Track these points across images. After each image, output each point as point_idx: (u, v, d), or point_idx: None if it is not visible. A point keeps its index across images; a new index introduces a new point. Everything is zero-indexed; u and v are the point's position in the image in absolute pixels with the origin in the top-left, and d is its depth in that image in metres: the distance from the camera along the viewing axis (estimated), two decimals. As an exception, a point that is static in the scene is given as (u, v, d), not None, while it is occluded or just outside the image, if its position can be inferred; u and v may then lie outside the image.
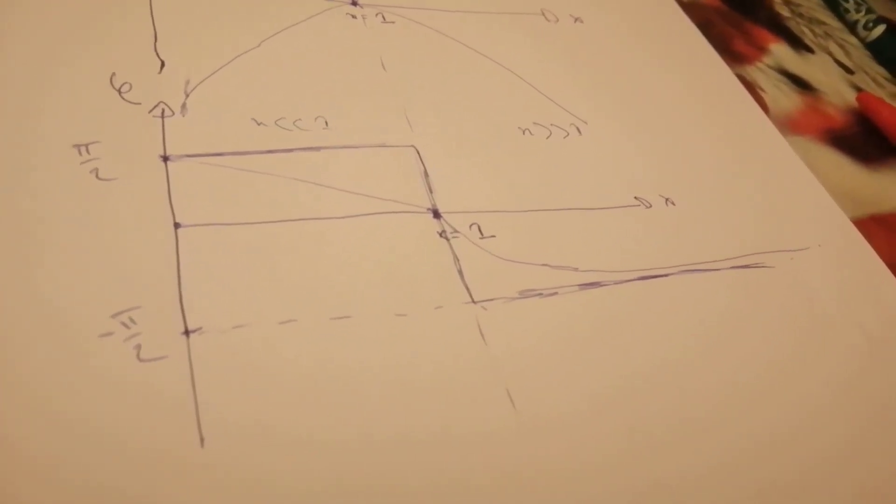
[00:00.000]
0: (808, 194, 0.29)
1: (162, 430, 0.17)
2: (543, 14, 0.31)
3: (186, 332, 0.18)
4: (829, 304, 0.25)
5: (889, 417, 0.23)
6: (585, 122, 0.28)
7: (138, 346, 0.17)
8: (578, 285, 0.23)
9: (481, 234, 0.23)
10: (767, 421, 0.22)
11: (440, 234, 0.23)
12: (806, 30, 0.40)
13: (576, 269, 0.23)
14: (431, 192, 0.24)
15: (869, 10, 0.40)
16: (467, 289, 0.22)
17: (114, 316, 0.18)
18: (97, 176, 0.20)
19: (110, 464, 0.16)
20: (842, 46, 0.39)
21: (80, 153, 0.20)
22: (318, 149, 0.23)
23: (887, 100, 0.37)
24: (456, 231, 0.23)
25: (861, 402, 0.23)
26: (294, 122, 0.24)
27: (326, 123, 0.24)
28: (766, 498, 0.20)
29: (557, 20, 0.32)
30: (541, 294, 0.22)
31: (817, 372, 0.23)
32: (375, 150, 0.24)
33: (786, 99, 0.34)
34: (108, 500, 0.15)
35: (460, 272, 0.22)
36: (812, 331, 0.24)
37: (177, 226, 0.20)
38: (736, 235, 0.26)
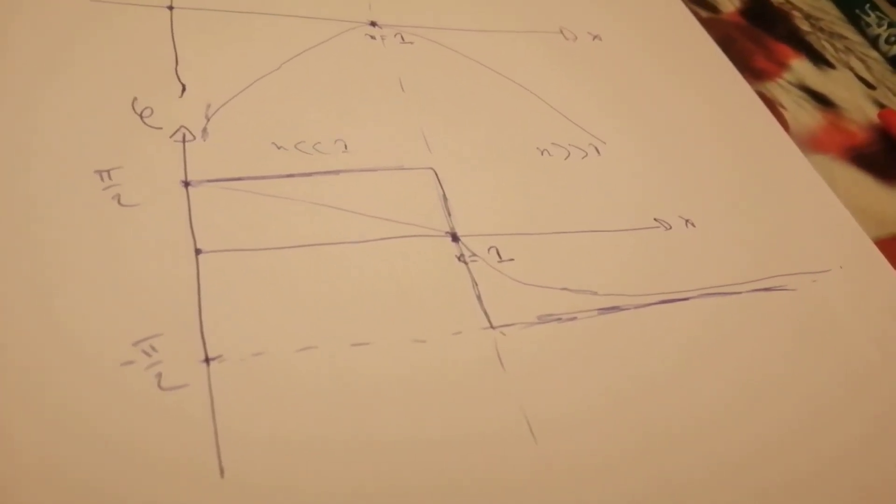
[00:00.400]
0: (830, 215, 0.29)
1: (183, 459, 0.17)
2: (562, 32, 0.31)
3: (207, 360, 0.18)
4: (850, 327, 0.25)
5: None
6: (604, 143, 0.27)
7: (159, 375, 0.18)
8: (598, 310, 0.23)
9: (500, 257, 0.23)
10: (794, 443, 0.21)
11: (458, 258, 0.23)
12: (827, 45, 0.39)
13: (595, 293, 0.23)
14: (450, 215, 0.24)
15: (891, 24, 0.40)
16: (486, 314, 0.21)
17: (135, 344, 0.18)
18: (119, 202, 0.20)
19: (134, 492, 0.16)
20: (863, 61, 0.39)
21: (102, 179, 0.20)
22: (337, 172, 0.23)
23: (910, 115, 0.36)
24: (474, 255, 0.23)
25: (885, 431, 0.22)
26: (314, 146, 0.24)
27: (346, 146, 0.24)
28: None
29: (576, 38, 0.31)
30: (560, 319, 0.22)
31: (842, 397, 0.23)
32: (394, 172, 0.24)
33: (807, 116, 0.34)
34: (130, 531, 0.16)
35: (479, 297, 0.22)
36: (834, 354, 0.24)
37: (198, 252, 0.20)
38: (757, 257, 0.26)
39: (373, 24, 0.29)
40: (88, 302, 0.18)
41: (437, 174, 0.24)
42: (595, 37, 0.32)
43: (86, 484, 0.16)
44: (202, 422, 0.17)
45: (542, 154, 0.26)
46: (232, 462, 0.17)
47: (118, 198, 0.20)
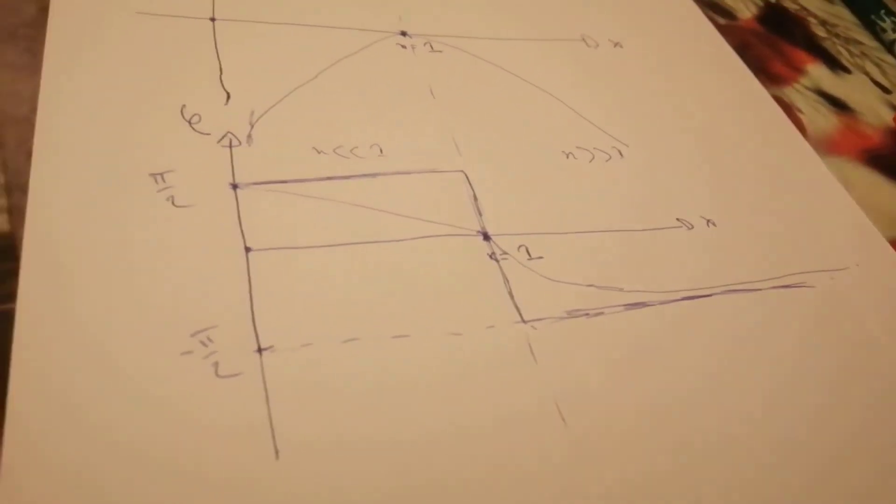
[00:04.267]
0: (846, 215, 0.29)
1: (241, 442, 0.18)
2: (584, 40, 0.32)
3: (259, 350, 0.19)
4: (868, 322, 0.25)
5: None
6: (627, 146, 0.29)
7: (216, 364, 0.19)
8: (624, 305, 0.24)
9: (529, 255, 0.24)
10: (814, 437, 0.22)
11: (490, 256, 0.24)
12: (843, 50, 0.40)
13: (621, 290, 0.24)
14: (481, 215, 0.25)
15: (905, 30, 0.40)
16: (517, 309, 0.23)
17: (193, 335, 0.19)
18: (173, 203, 0.21)
19: (200, 469, 0.17)
20: (878, 66, 0.40)
21: (156, 182, 0.22)
22: (374, 175, 0.25)
23: (925, 119, 0.37)
24: (505, 253, 0.24)
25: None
26: (351, 150, 0.25)
27: (381, 150, 0.25)
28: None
29: (598, 45, 0.33)
30: (587, 314, 0.23)
31: (862, 389, 0.24)
32: (427, 175, 0.25)
33: (823, 120, 0.35)
34: (193, 507, 0.17)
35: (510, 293, 0.23)
36: (856, 349, 0.25)
37: (247, 250, 0.21)
38: (776, 256, 0.27)
39: (403, 33, 0.30)
40: (148, 297, 0.20)
41: (467, 176, 0.26)
42: (616, 44, 0.33)
43: (151, 463, 0.17)
44: (258, 407, 0.18)
45: (567, 157, 0.27)
46: (286, 444, 0.18)
47: (172, 199, 0.22)
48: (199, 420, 0.18)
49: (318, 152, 0.24)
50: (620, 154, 0.28)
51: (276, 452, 0.18)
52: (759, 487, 0.21)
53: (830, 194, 0.30)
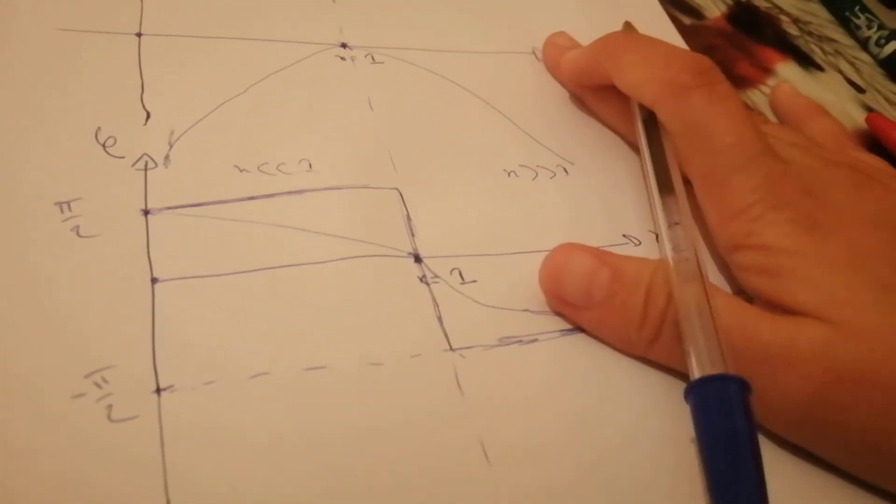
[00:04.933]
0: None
1: (130, 492, 0.17)
2: (535, 53, 0.31)
3: (158, 391, 0.18)
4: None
5: None
6: (572, 163, 0.27)
7: (110, 407, 0.18)
8: (560, 331, 0.22)
9: (462, 279, 0.23)
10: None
11: (420, 280, 0.23)
12: (815, 48, 0.39)
13: (558, 315, 0.23)
14: (413, 235, 0.24)
15: (881, 26, 0.39)
16: (446, 336, 0.21)
17: (87, 376, 0.18)
18: (78, 234, 0.20)
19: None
20: (852, 64, 0.38)
21: (62, 211, 0.21)
22: (300, 192, 0.23)
23: (900, 119, 0.36)
24: (436, 276, 0.23)
25: None
26: (277, 167, 0.24)
27: (310, 166, 0.24)
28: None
29: (550, 56, 0.31)
30: (521, 341, 0.22)
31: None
32: (358, 191, 0.24)
33: (790, 123, 0.33)
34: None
35: (440, 318, 0.22)
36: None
37: (154, 280, 0.20)
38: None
39: (343, 45, 0.29)
40: (43, 336, 0.19)
41: (401, 194, 0.25)
42: (569, 53, 0.32)
43: (32, 517, 0.16)
44: (151, 454, 0.17)
45: (509, 175, 0.26)
46: (178, 494, 0.17)
47: (77, 229, 0.21)
48: (88, 468, 0.17)
49: (241, 171, 0.23)
50: (566, 171, 0.27)
51: (168, 503, 0.17)
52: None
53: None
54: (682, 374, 0.22)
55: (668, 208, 0.23)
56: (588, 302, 0.22)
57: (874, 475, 0.21)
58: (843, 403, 0.20)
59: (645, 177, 0.26)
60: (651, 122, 0.26)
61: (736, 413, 0.19)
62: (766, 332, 0.20)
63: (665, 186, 0.24)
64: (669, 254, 0.22)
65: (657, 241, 0.26)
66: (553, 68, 0.30)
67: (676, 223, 0.23)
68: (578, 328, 0.23)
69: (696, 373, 0.20)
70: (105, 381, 0.18)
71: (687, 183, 0.25)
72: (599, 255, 0.22)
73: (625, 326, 0.22)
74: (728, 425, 0.19)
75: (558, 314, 0.23)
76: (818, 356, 0.20)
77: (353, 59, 0.28)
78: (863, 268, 0.21)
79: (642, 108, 0.26)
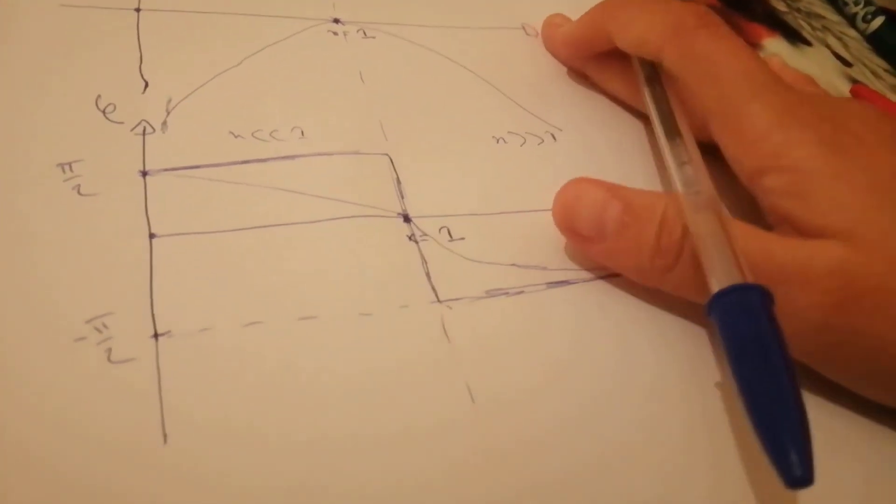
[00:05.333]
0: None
1: (129, 426, 0.18)
2: (524, 28, 0.32)
3: (155, 336, 0.19)
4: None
5: None
6: (560, 130, 0.28)
7: (109, 350, 0.19)
8: (546, 283, 0.23)
9: (450, 236, 0.24)
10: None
11: (409, 238, 0.23)
12: (804, 24, 0.39)
13: (544, 269, 0.24)
14: (403, 197, 0.24)
15: (868, 2, 0.40)
16: (433, 289, 0.22)
17: (88, 321, 0.19)
18: (79, 192, 0.21)
19: (80, 457, 0.17)
20: (840, 39, 0.39)
21: (63, 171, 0.22)
22: (293, 157, 0.24)
23: (886, 92, 0.36)
24: (425, 234, 0.23)
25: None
26: (270, 133, 0.25)
27: (303, 133, 0.25)
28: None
29: (538, 34, 0.32)
30: (507, 293, 0.23)
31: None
32: (350, 157, 0.25)
33: (775, 94, 0.34)
34: (76, 491, 0.17)
35: (427, 274, 0.23)
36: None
37: (152, 236, 0.21)
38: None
39: (336, 20, 0.29)
40: (46, 285, 0.19)
41: (392, 160, 0.25)
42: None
43: (36, 449, 0.17)
44: (149, 392, 0.18)
45: (497, 142, 0.27)
46: (175, 429, 0.18)
47: (78, 188, 0.21)
48: (88, 406, 0.18)
49: (235, 136, 0.24)
50: (553, 138, 0.28)
51: (165, 437, 0.18)
52: (691, 477, 0.20)
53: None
54: (671, 319, 0.23)
55: (675, 150, 0.24)
56: (600, 234, 0.22)
57: (890, 395, 0.21)
58: (860, 319, 0.20)
59: (652, 125, 0.26)
60: (654, 77, 0.27)
61: (760, 316, 0.19)
62: (783, 253, 0.21)
63: (671, 131, 0.25)
64: (681, 188, 0.23)
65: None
66: (552, 45, 0.31)
67: (685, 163, 0.23)
68: (564, 281, 0.23)
69: (715, 287, 0.20)
70: (105, 326, 0.19)
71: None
72: (611, 188, 0.23)
73: (638, 257, 0.22)
74: (753, 329, 0.19)
75: (579, 252, 0.24)
76: (836, 273, 0.20)
77: (345, 33, 0.29)
78: (886, 189, 0.21)
79: (644, 64, 0.27)
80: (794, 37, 0.38)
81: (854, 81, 0.36)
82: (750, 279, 0.20)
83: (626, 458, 0.20)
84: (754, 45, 0.37)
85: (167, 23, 0.27)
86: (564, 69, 0.31)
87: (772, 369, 0.18)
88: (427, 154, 0.26)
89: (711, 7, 0.39)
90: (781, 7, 0.40)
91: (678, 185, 0.23)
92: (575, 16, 0.31)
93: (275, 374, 0.19)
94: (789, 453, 0.17)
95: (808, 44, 0.38)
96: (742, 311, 0.19)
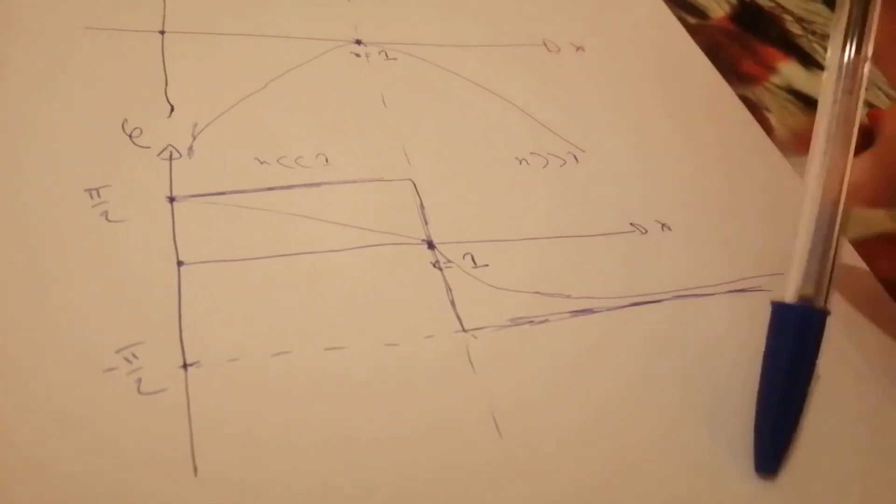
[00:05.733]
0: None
1: (159, 458, 0.18)
2: (545, 44, 0.32)
3: (185, 366, 0.19)
4: (828, 328, 0.25)
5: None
6: (583, 151, 0.28)
7: (139, 380, 0.19)
8: (570, 312, 0.23)
9: (474, 263, 0.24)
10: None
11: (433, 265, 0.23)
12: (818, 47, 0.40)
13: (568, 297, 0.24)
14: (426, 223, 0.24)
15: (883, 25, 0.40)
16: (458, 318, 0.22)
17: (118, 351, 0.19)
18: (107, 218, 0.21)
19: (112, 490, 0.17)
20: (855, 62, 0.39)
21: (91, 197, 0.22)
22: (318, 185, 0.24)
23: (901, 115, 0.36)
24: (449, 261, 0.24)
25: (860, 421, 0.23)
26: (296, 160, 0.25)
27: (327, 160, 0.25)
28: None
29: (559, 50, 0.32)
30: (532, 322, 0.23)
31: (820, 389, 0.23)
32: (373, 184, 0.25)
33: (792, 118, 0.34)
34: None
35: (452, 302, 0.23)
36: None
37: (180, 264, 0.21)
38: (733, 259, 0.26)
39: (358, 42, 0.30)
40: (75, 314, 0.20)
41: (415, 185, 0.25)
42: (578, 48, 0.33)
43: (68, 480, 0.17)
44: (178, 423, 0.18)
45: (520, 163, 0.27)
46: (205, 461, 0.18)
47: (106, 214, 0.21)
48: (118, 437, 0.18)
49: (261, 163, 0.24)
50: (576, 159, 0.28)
51: (195, 470, 0.18)
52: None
53: (794, 195, 0.29)
54: (694, 348, 0.23)
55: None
56: None
57: None
58: None
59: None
60: None
61: (811, 343, 0.22)
62: None
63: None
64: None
65: (662, 230, 0.26)
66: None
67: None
68: (587, 310, 0.23)
69: (791, 293, 0.22)
70: (135, 356, 0.19)
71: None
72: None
73: None
74: (801, 351, 0.21)
75: None
76: None
77: (367, 55, 0.29)
78: None
79: None
80: (808, 61, 0.38)
81: (870, 105, 0.36)
82: (822, 301, 0.22)
83: (646, 491, 0.20)
84: (769, 68, 0.37)
85: (191, 45, 0.27)
86: (587, 86, 0.31)
87: (796, 386, 0.21)
88: (449, 178, 0.26)
89: (726, 30, 0.39)
90: (796, 30, 0.40)
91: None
92: (588, 33, 0.31)
93: (302, 406, 0.19)
94: (770, 449, 0.21)
95: (822, 68, 0.38)
96: (802, 332, 0.22)
